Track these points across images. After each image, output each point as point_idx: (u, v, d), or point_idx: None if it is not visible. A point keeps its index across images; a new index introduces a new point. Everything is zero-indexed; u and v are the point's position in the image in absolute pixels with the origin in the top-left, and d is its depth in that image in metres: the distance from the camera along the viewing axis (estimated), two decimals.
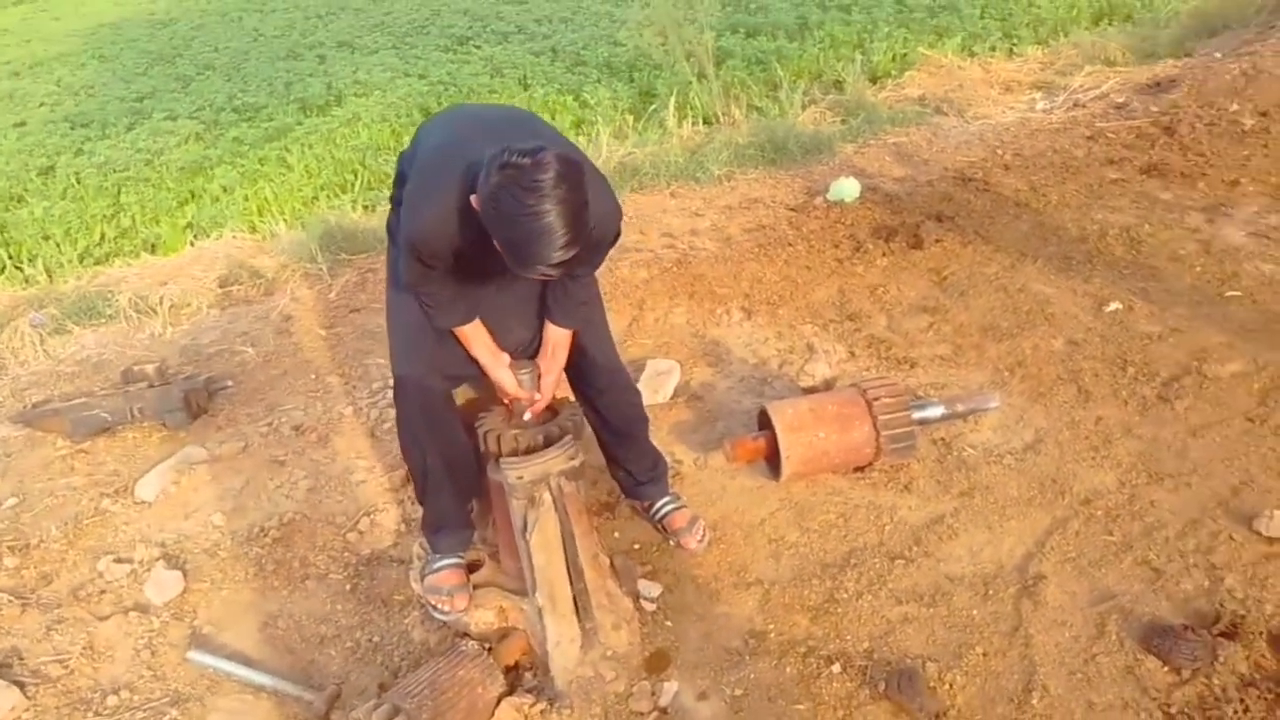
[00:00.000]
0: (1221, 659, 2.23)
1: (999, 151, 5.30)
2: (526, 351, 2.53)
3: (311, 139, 7.56)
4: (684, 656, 2.50)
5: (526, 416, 2.49)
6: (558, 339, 2.49)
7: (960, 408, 3.10)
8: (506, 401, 2.53)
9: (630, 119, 6.70)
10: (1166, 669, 2.26)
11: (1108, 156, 5.05)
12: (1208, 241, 4.09)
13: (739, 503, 3.00)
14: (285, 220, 5.72)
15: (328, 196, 6.32)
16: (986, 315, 3.76)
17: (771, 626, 2.54)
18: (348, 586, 2.88)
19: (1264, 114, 5.29)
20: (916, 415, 2.99)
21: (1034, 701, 2.23)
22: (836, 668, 2.38)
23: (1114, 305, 3.71)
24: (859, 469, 3.02)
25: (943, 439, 3.13)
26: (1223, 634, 2.30)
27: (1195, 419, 3.07)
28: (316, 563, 2.97)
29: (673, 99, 6.54)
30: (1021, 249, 4.21)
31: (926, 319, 3.79)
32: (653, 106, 6.89)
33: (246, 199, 6.46)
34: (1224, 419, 3.05)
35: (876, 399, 2.92)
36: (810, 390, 3.33)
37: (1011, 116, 5.92)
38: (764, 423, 3.03)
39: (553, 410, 2.56)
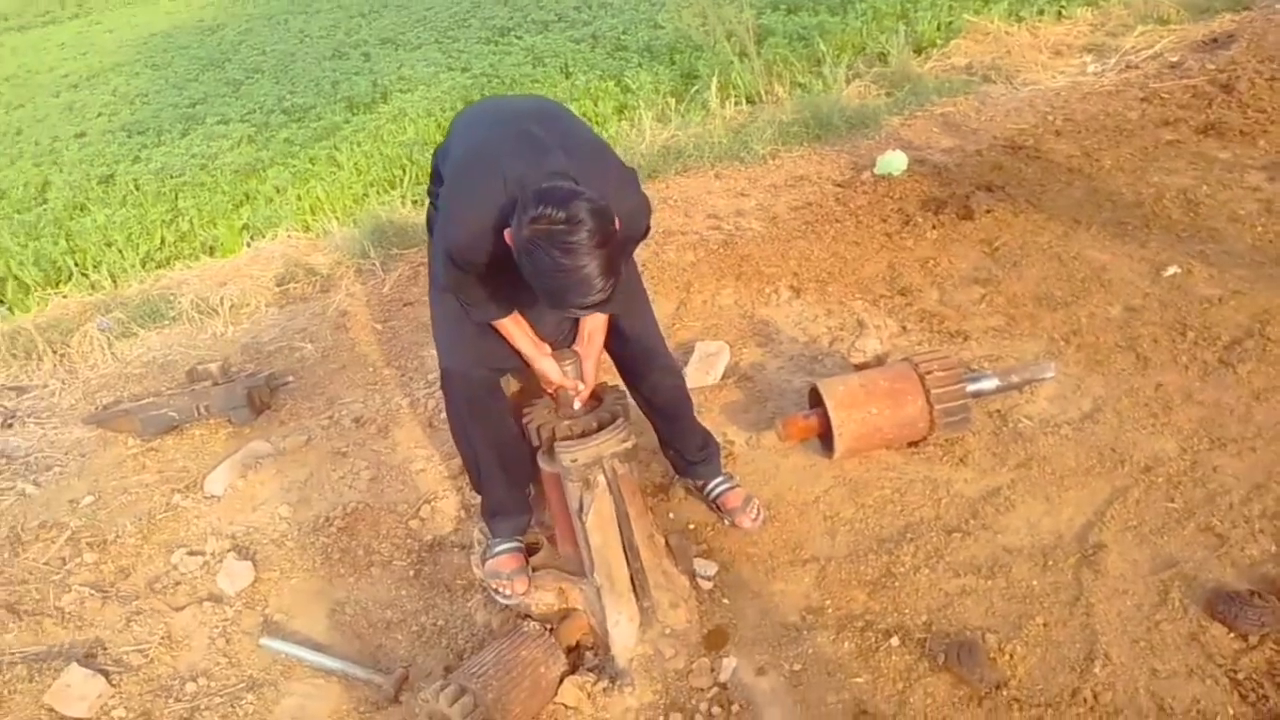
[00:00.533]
0: None
1: (1049, 117, 5.20)
2: (567, 339, 2.55)
3: (359, 137, 7.67)
4: (742, 633, 2.52)
5: (576, 406, 2.51)
6: (594, 325, 2.51)
7: (1015, 379, 3.07)
8: (551, 392, 2.57)
9: (672, 102, 6.67)
10: (1232, 635, 2.23)
11: (1163, 118, 4.93)
12: (1269, 200, 3.98)
13: (793, 481, 3.00)
14: (337, 218, 5.82)
15: (377, 193, 6.41)
16: (1040, 284, 3.71)
17: (829, 602, 2.55)
18: (411, 572, 2.95)
19: None
20: (970, 388, 2.97)
21: (1096, 670, 2.21)
22: (895, 641, 2.39)
23: (1172, 269, 3.63)
24: (913, 444, 3.00)
25: (998, 411, 3.10)
26: None
27: (1259, 382, 3.00)
28: (381, 550, 3.04)
29: (715, 79, 6.50)
30: (1075, 216, 4.14)
31: (979, 290, 3.75)
32: (695, 88, 6.86)
33: (299, 199, 6.57)
34: None
35: (929, 373, 2.91)
36: (862, 366, 3.32)
37: (1062, 81, 5.79)
38: (815, 400, 3.03)
39: (597, 397, 2.59)
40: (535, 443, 2.52)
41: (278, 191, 6.89)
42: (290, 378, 4.03)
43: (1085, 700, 2.16)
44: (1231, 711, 2.07)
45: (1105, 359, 3.24)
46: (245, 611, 2.91)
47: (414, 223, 5.23)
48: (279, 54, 11.91)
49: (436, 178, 2.49)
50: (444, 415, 3.47)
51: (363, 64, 10.51)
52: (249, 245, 5.85)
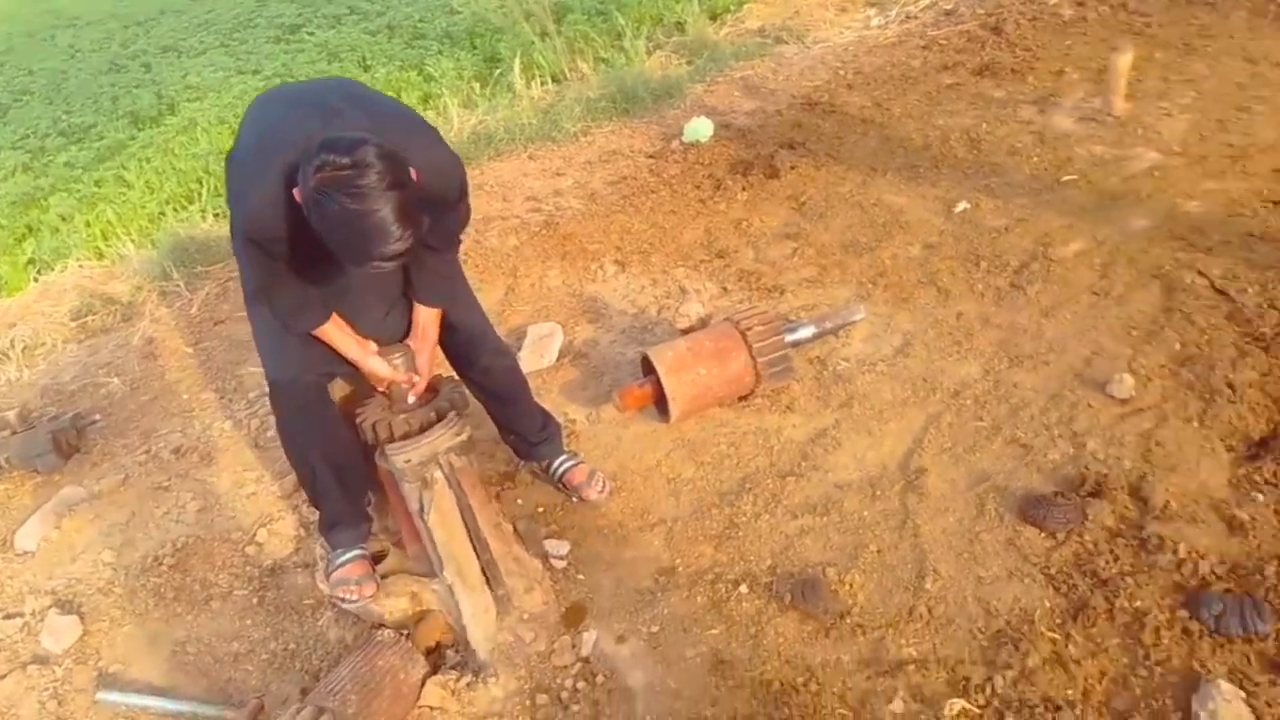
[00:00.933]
0: (1090, 517, 2.40)
1: (841, 72, 5.42)
2: (395, 331, 2.49)
3: (148, 153, 7.21)
4: (599, 605, 2.55)
5: (411, 399, 2.47)
6: (427, 319, 2.47)
7: (829, 324, 3.20)
8: (383, 389, 2.51)
9: (477, 86, 6.59)
10: (1043, 535, 2.42)
11: (942, 63, 5.23)
12: (1041, 132, 4.29)
13: (634, 449, 3.05)
14: (133, 241, 5.47)
15: (174, 210, 6.04)
16: (846, 233, 3.88)
17: (679, 561, 2.62)
18: (255, 600, 2.83)
19: (1080, 4, 5.54)
20: (789, 338, 3.08)
21: (928, 586, 2.36)
22: (744, 588, 2.47)
23: (962, 205, 3.87)
24: (743, 398, 3.10)
25: (818, 357, 3.24)
26: (1090, 494, 2.47)
27: (1046, 300, 3.25)
28: (218, 582, 2.91)
29: (517, 61, 6.45)
30: (871, 164, 4.34)
31: (790, 245, 3.89)
32: (498, 71, 6.79)
33: (88, 225, 6.13)
34: (1072, 296, 3.24)
35: (749, 329, 3.00)
36: (688, 331, 3.39)
37: (849, 36, 6.05)
38: (648, 369, 3.07)
39: (433, 389, 2.55)
40: (370, 440, 2.46)
41: (63, 220, 6.40)
42: (98, 416, 3.77)
43: (921, 615, 2.30)
44: (1048, 604, 2.26)
45: (910, 296, 3.43)
46: (76, 668, 2.72)
47: (217, 236, 4.97)
48: (48, 72, 11.01)
49: None
50: (270, 434, 3.36)
51: (144, 75, 9.85)
52: (36, 280, 5.41)
